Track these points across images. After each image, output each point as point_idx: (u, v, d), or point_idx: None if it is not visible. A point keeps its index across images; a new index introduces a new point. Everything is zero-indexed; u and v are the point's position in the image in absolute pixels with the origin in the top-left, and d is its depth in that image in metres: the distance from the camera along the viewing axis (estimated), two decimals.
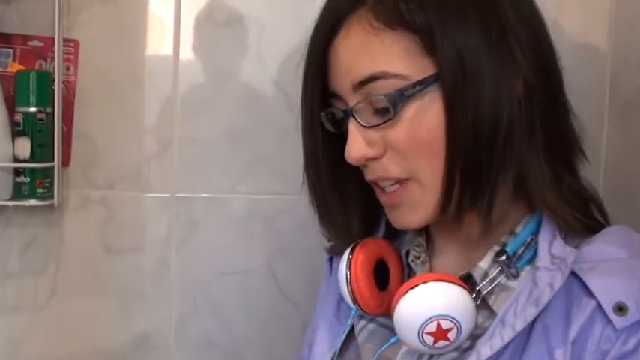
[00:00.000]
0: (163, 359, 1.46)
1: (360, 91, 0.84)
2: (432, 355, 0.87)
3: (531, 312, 0.79)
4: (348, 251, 0.95)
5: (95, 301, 1.44)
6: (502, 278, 0.86)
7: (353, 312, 0.94)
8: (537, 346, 0.79)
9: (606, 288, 0.78)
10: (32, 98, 1.32)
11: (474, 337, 0.84)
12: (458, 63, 0.80)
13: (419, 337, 0.83)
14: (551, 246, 0.83)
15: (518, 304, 0.80)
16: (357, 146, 0.85)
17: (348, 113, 0.86)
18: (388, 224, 0.96)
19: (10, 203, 1.33)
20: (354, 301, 0.93)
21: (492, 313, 0.85)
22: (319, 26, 0.89)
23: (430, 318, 0.81)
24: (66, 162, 1.38)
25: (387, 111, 0.82)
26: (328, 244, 1.05)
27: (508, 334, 0.79)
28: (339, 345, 0.97)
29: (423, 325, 0.82)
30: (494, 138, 0.81)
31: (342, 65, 0.85)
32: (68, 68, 1.37)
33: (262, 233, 1.44)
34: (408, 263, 0.98)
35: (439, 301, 0.82)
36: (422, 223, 0.88)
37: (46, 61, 1.36)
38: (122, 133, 1.41)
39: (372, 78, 0.82)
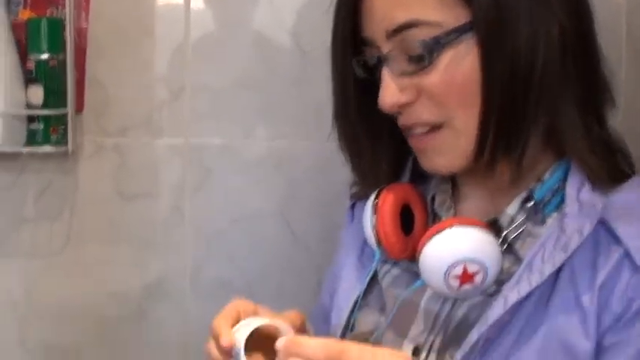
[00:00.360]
0: (178, 305, 1.48)
1: (394, 39, 0.84)
2: (456, 300, 0.88)
3: (560, 257, 0.79)
4: (373, 196, 0.94)
5: (110, 247, 1.45)
6: (529, 225, 0.86)
7: (377, 256, 0.94)
8: (564, 292, 0.80)
9: (634, 235, 0.78)
10: (44, 45, 1.32)
11: (500, 282, 0.83)
12: (494, 10, 0.79)
13: (445, 281, 0.82)
14: (579, 193, 0.82)
15: (545, 250, 0.80)
16: (390, 93, 0.85)
17: (382, 60, 0.86)
18: (414, 169, 0.97)
19: (25, 150, 1.34)
20: (379, 245, 0.93)
21: (518, 259, 0.85)
22: None
23: (457, 261, 0.81)
24: (79, 108, 1.38)
25: (422, 59, 0.82)
26: (352, 190, 1.05)
27: (536, 279, 0.79)
28: (363, 288, 0.97)
29: (449, 268, 0.81)
30: (530, 85, 0.80)
31: (376, 13, 0.85)
32: (80, 15, 1.37)
33: (275, 179, 1.44)
34: (433, 209, 0.97)
35: (466, 245, 0.81)
36: (453, 169, 0.88)
37: (57, 8, 1.36)
38: (134, 80, 1.41)
39: (407, 26, 0.82)
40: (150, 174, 1.43)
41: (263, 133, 1.43)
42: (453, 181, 0.96)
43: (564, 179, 0.85)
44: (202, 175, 1.43)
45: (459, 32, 0.81)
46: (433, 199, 0.98)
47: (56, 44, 1.33)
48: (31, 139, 1.35)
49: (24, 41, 1.34)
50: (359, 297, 0.97)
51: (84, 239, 1.45)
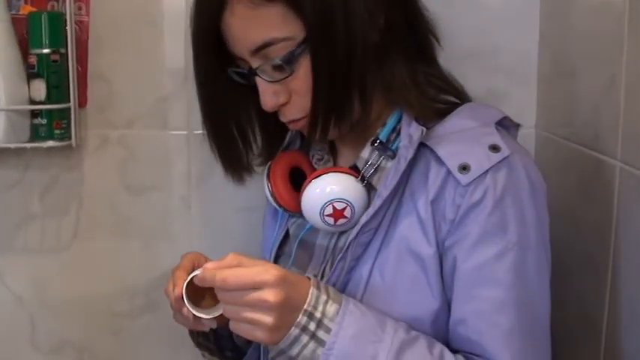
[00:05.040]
0: None
1: (258, 55, 0.99)
2: (341, 233, 1.08)
3: (393, 181, 0.98)
4: (267, 166, 1.15)
5: (117, 240, 1.45)
6: (382, 161, 1.05)
7: (280, 213, 1.18)
8: (406, 205, 1.01)
9: (452, 154, 0.98)
10: (45, 40, 1.31)
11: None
12: (320, 22, 0.95)
13: (322, 219, 1.04)
14: (409, 129, 1.01)
15: (388, 178, 1.00)
16: (269, 97, 1.02)
17: (253, 72, 1.01)
18: (302, 138, 1.16)
19: (29, 145, 1.33)
20: (278, 204, 1.13)
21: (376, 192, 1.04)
22: (204, 7, 1.01)
23: (325, 203, 1.03)
24: (82, 102, 1.38)
25: (285, 70, 0.99)
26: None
27: (378, 202, 0.99)
28: (277, 242, 1.18)
29: (321, 209, 1.03)
30: (349, 80, 0.98)
31: (235, 37, 1.00)
32: (80, 8, 1.36)
33: None
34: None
35: (328, 188, 1.03)
36: (328, 138, 1.05)
37: (57, 2, 1.35)
38: (137, 72, 1.41)
39: (265, 45, 0.98)
40: (155, 166, 1.43)
41: None
42: (331, 141, 1.15)
43: (401, 120, 1.04)
44: (207, 165, 1.41)
45: (307, 42, 0.96)
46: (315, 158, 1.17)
47: (57, 38, 1.32)
48: (35, 134, 1.34)
49: (25, 36, 1.33)
50: (272, 249, 1.18)
51: (91, 234, 1.45)
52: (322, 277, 1.07)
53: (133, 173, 1.43)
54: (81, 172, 1.42)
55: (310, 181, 1.05)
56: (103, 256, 1.46)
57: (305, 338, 0.92)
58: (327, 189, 1.03)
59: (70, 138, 1.34)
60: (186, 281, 0.98)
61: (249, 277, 0.90)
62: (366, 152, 1.06)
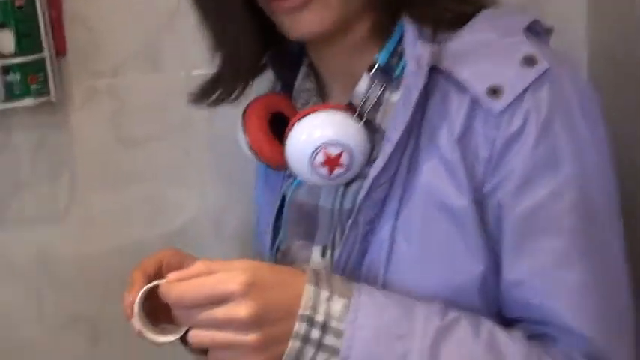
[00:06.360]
0: (200, 250, 1.33)
1: None
2: (346, 190, 0.89)
3: (402, 120, 0.80)
4: (240, 116, 0.97)
5: (120, 200, 1.34)
6: (387, 94, 0.87)
7: (272, 176, 1.01)
8: (426, 148, 0.82)
9: (476, 75, 0.80)
10: None
11: (373, 162, 0.84)
12: None
13: (314, 171, 0.85)
14: (414, 48, 0.82)
15: (396, 117, 0.81)
16: None
17: None
18: (284, 79, 1.01)
19: (2, 106, 1.20)
20: (259, 158, 0.96)
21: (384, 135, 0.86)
22: None
23: (315, 149, 0.84)
24: (61, 50, 1.24)
25: None
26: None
27: (389, 149, 0.81)
28: (274, 212, 1.00)
29: (310, 158, 0.84)
30: None
31: None
32: None
33: None
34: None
35: (317, 131, 0.84)
36: (323, 26, 0.84)
37: None
38: (123, 9, 1.26)
39: None
40: (152, 114, 1.30)
41: None
42: (317, 79, 0.97)
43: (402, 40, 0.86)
44: (209, 111, 1.26)
45: None
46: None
47: None
48: (9, 92, 1.21)
49: None
50: (271, 221, 1.01)
51: (89, 195, 1.33)
52: (333, 248, 0.91)
53: (128, 125, 1.30)
54: (69, 130, 1.30)
55: (293, 125, 0.86)
56: (105, 215, 1.34)
57: (310, 350, 0.76)
58: (316, 132, 0.84)
59: (48, 93, 1.21)
60: (144, 290, 0.82)
61: (209, 287, 0.74)
62: (362, 85, 0.88)
